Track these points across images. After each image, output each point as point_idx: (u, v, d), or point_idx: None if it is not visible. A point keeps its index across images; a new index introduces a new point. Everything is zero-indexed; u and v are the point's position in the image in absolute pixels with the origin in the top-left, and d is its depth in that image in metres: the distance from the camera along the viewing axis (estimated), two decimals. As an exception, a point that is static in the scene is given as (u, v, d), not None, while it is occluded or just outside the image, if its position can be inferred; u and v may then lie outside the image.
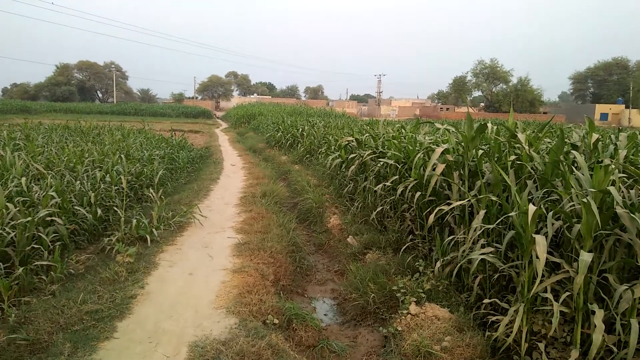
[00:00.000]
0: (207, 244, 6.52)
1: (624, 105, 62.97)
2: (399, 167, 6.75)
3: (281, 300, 4.84)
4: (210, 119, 53.23)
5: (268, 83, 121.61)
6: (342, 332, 4.64)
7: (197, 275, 5.38)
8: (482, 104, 73.64)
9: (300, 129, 17.51)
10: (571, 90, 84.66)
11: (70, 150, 9.84)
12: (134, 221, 6.50)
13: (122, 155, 9.39)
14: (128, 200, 8.12)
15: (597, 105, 65.15)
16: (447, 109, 72.10)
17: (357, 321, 4.94)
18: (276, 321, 4.33)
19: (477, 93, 73.96)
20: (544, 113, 64.30)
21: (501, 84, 69.51)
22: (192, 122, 41.52)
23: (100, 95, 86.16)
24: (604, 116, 61.83)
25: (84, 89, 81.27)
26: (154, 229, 6.59)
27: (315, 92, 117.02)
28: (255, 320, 4.24)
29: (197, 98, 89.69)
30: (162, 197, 8.23)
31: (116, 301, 4.49)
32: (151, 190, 8.08)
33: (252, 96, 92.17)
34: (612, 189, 3.44)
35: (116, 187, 7.68)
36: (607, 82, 73.83)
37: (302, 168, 13.77)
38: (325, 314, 5.34)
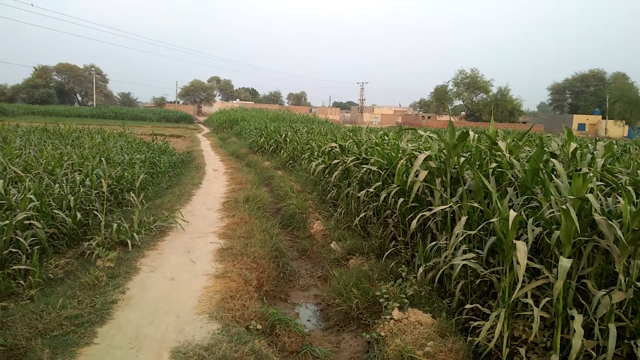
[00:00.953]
0: (189, 249, 6.47)
1: (600, 116, 64.57)
2: (382, 173, 6.80)
3: (264, 305, 4.83)
4: (192, 123, 52.94)
5: (251, 89, 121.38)
6: (325, 338, 4.64)
7: (179, 280, 5.33)
8: (463, 113, 74.78)
9: (284, 135, 17.51)
10: (549, 101, 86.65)
11: (49, 153, 9.66)
12: (115, 225, 6.41)
13: (103, 159, 9.26)
14: (108, 204, 8.01)
15: (574, 115, 66.69)
16: (429, 117, 72.98)
17: (340, 327, 4.94)
18: (259, 327, 4.31)
19: (458, 102, 75.16)
20: (523, 122, 65.51)
21: (481, 94, 70.71)
22: (174, 127, 41.19)
23: (79, 98, 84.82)
24: (581, 126, 63.27)
25: (62, 91, 79.96)
26: (134, 234, 6.50)
27: (298, 99, 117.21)
28: (238, 325, 4.21)
29: (178, 102, 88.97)
30: (143, 201, 8.14)
31: (96, 306, 4.42)
32: (132, 195, 7.98)
33: (234, 101, 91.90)
34: (590, 196, 3.54)
35: (96, 191, 7.56)
36: (584, 94, 75.73)
37: (285, 173, 13.76)
38: (308, 320, 5.34)
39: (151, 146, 15.20)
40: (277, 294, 5.80)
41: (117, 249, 6.04)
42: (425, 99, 78.85)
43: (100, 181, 7.49)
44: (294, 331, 4.41)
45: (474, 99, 70.86)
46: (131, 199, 7.88)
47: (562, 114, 77.28)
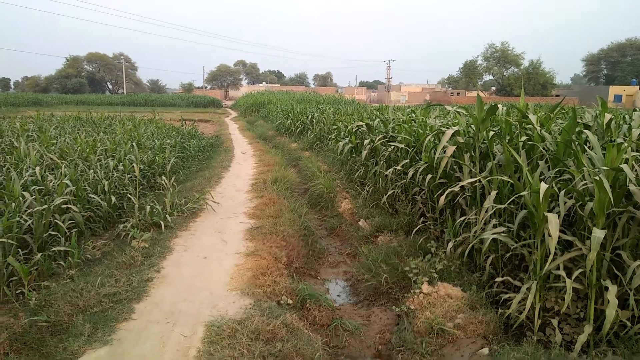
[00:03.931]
0: (220, 229, 6.60)
1: (638, 87, 61.74)
2: (410, 150, 6.75)
3: (294, 281, 4.91)
4: (220, 108, 53.33)
5: (276, 71, 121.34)
6: (355, 312, 4.70)
7: (211, 258, 5.46)
8: (493, 88, 72.77)
9: (310, 116, 17.49)
10: (584, 73, 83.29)
11: (82, 140, 9.95)
12: (148, 208, 6.60)
13: (134, 144, 9.48)
14: (141, 188, 8.23)
15: (610, 87, 63.89)
16: (458, 93, 71.37)
17: (370, 301, 5.00)
18: (290, 301, 4.40)
19: (487, 77, 73.08)
20: (556, 96, 63.29)
21: (512, 68, 68.54)
22: (202, 112, 41.60)
23: (110, 86, 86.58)
24: (617, 98, 60.70)
25: (94, 80, 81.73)
26: (167, 215, 6.68)
27: (324, 80, 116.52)
28: (270, 300, 4.31)
29: (206, 88, 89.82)
30: (175, 184, 8.33)
31: (133, 284, 4.59)
32: (163, 178, 8.17)
33: (260, 85, 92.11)
34: (625, 166, 3.43)
35: (129, 176, 7.78)
36: (620, 64, 72.42)
37: (312, 154, 13.79)
38: (338, 295, 5.41)
39: (180, 131, 15.46)
40: (307, 271, 5.88)
41: (151, 230, 6.23)
42: (454, 75, 77.06)
43: (133, 166, 7.69)
44: (324, 305, 4.48)
45: (505, 74, 68.79)
46: (163, 182, 8.07)
47: (597, 85, 74.20)
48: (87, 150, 8.80)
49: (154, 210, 6.66)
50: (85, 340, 3.59)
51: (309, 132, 16.49)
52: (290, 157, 13.95)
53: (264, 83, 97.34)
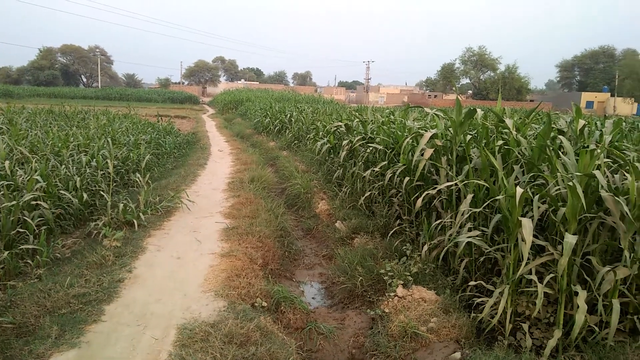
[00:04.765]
0: (195, 228, 6.50)
1: (609, 94, 63.47)
2: (388, 152, 6.77)
3: (269, 283, 4.87)
4: (197, 104, 52.78)
5: (256, 69, 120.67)
6: (330, 315, 4.68)
7: (185, 259, 5.37)
8: (470, 92, 73.84)
9: (289, 115, 17.43)
10: (558, 79, 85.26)
11: (54, 134, 9.69)
12: (121, 206, 6.45)
13: (108, 140, 9.27)
14: (114, 185, 8.05)
15: (583, 93, 65.52)
16: (435, 96, 72.23)
17: (344, 304, 4.99)
18: (265, 304, 4.36)
19: (465, 80, 74.16)
20: (531, 101, 64.56)
21: (489, 72, 69.69)
22: (179, 108, 41.08)
23: (84, 79, 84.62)
24: (589, 104, 62.23)
25: (67, 73, 79.76)
26: (141, 214, 6.54)
27: (303, 79, 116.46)
28: (244, 303, 4.26)
29: (183, 83, 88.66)
30: (149, 182, 8.17)
31: (103, 285, 4.47)
32: (138, 175, 8.00)
33: (239, 82, 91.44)
34: (597, 172, 3.50)
35: (102, 172, 7.60)
36: (593, 71, 74.34)
37: (290, 154, 13.74)
38: (313, 297, 5.39)
39: (156, 127, 15.20)
40: (283, 273, 5.84)
41: (123, 229, 6.09)
42: (432, 77, 77.92)
43: (106, 162, 7.51)
44: (299, 308, 4.45)
45: (481, 77, 69.90)
46: (137, 179, 7.91)
47: (571, 91, 75.97)
48: (59, 144, 8.56)
49: (127, 208, 6.52)
50: (52, 343, 3.48)
51: (287, 131, 16.43)
52: (267, 156, 13.86)
53: (242, 80, 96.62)
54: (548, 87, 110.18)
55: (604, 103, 62.68)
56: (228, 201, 8.00)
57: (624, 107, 58.70)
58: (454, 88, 70.69)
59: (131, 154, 9.40)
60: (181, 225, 6.66)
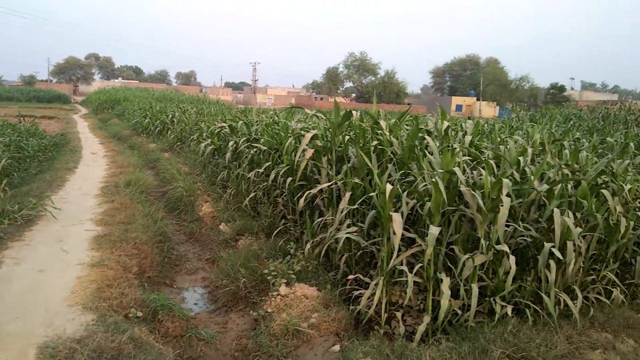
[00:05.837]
0: (61, 237, 5.92)
1: (475, 98, 70.24)
2: (272, 153, 6.79)
3: (146, 292, 4.58)
4: (68, 104, 48.53)
5: (135, 67, 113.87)
6: (212, 319, 4.54)
7: (49, 272, 4.86)
8: (354, 95, 77.20)
9: (170, 116, 16.70)
10: (431, 84, 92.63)
11: None
12: (-32, 216, 5.64)
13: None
14: (-39, 192, 7.02)
15: (453, 97, 71.88)
16: (321, 98, 74.30)
17: (228, 307, 4.88)
18: (140, 314, 4.09)
19: (349, 84, 77.37)
20: (409, 104, 69.21)
21: (370, 76, 73.51)
22: (46, 107, 37.30)
23: None
24: (459, 107, 68.38)
25: None
26: (-6, 224, 5.78)
27: (188, 78, 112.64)
28: (116, 314, 3.95)
29: (51, 81, 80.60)
30: (6, 188, 7.28)
31: (-57, 308, 3.87)
32: (-9, 181, 7.07)
33: (116, 80, 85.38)
34: (456, 169, 3.84)
35: (-56, 178, 6.58)
36: (461, 77, 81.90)
37: (173, 156, 13.16)
38: (195, 303, 5.20)
39: (17, 128, 13.60)
40: (162, 280, 5.56)
41: (-29, 242, 5.33)
42: (318, 80, 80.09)
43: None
44: (178, 315, 4.26)
45: (364, 81, 73.48)
46: (-10, 186, 6.98)
47: (443, 95, 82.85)
48: None
49: (-23, 218, 5.72)
50: None
51: (169, 132, 15.73)
52: (147, 159, 13.13)
53: (120, 79, 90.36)
54: (423, 91, 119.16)
55: (472, 106, 69.19)
56: (101, 207, 7.40)
57: (488, 110, 65.28)
58: (338, 92, 73.54)
59: (-17, 157, 8.28)
60: (45, 235, 6.01)
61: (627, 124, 14.02)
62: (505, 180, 3.67)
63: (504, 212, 3.55)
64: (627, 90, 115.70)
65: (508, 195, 3.66)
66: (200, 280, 5.78)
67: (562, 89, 63.22)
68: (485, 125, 9.33)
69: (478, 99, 68.36)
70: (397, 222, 3.58)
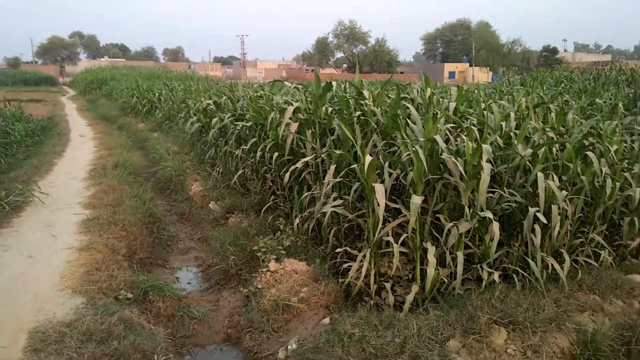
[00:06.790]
0: (49, 223, 5.90)
1: (468, 64, 69.26)
2: (257, 129, 6.71)
3: (135, 273, 4.59)
4: (55, 86, 47.65)
5: (120, 44, 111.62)
6: (203, 298, 4.58)
7: (38, 257, 4.86)
8: (345, 65, 76.15)
9: (157, 94, 16.46)
10: (423, 51, 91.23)
11: None
12: (-45, 205, 5.60)
13: None
14: (-54, 182, 6.95)
15: (445, 64, 70.80)
16: (312, 70, 73.24)
17: (220, 285, 4.91)
18: (130, 295, 4.11)
19: (339, 54, 76.16)
20: (401, 72, 68.41)
21: (361, 45, 72.31)
22: (33, 90, 36.62)
23: None
24: (452, 74, 67.37)
25: None
26: (-19, 212, 5.75)
27: (175, 54, 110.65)
28: (106, 297, 3.97)
29: (36, 63, 79.03)
30: (-8, 175, 7.21)
31: None
32: (-24, 169, 7.00)
33: (102, 59, 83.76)
34: (437, 137, 3.79)
35: None
36: (453, 43, 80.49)
37: (162, 135, 13.04)
38: (188, 283, 5.23)
39: (3, 113, 13.39)
40: (154, 261, 5.57)
41: (-41, 231, 5.31)
42: (308, 51, 78.83)
43: None
44: (169, 295, 4.29)
45: (354, 51, 72.35)
46: (-25, 174, 6.91)
47: (435, 63, 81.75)
48: None
49: (-37, 207, 5.68)
50: None
51: (157, 111, 15.53)
52: (136, 139, 13.01)
53: (106, 57, 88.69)
54: (415, 59, 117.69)
55: (464, 73, 68.25)
56: (89, 190, 7.36)
57: (482, 75, 64.31)
58: (329, 62, 72.47)
59: (-32, 145, 8.17)
60: (33, 221, 5.99)
61: (617, 85, 13.92)
62: (485, 146, 3.63)
63: (484, 178, 3.53)
64: (621, 50, 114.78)
65: (489, 161, 3.63)
66: (193, 259, 5.80)
67: (554, 51, 62.35)
68: (476, 91, 9.23)
69: (470, 65, 67.47)
70: (380, 193, 3.56)
